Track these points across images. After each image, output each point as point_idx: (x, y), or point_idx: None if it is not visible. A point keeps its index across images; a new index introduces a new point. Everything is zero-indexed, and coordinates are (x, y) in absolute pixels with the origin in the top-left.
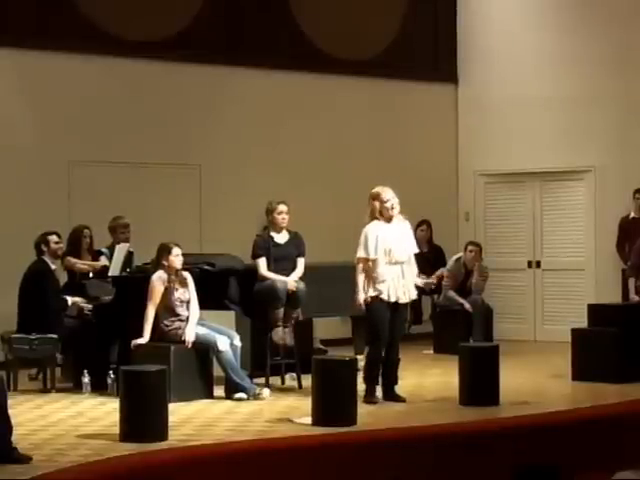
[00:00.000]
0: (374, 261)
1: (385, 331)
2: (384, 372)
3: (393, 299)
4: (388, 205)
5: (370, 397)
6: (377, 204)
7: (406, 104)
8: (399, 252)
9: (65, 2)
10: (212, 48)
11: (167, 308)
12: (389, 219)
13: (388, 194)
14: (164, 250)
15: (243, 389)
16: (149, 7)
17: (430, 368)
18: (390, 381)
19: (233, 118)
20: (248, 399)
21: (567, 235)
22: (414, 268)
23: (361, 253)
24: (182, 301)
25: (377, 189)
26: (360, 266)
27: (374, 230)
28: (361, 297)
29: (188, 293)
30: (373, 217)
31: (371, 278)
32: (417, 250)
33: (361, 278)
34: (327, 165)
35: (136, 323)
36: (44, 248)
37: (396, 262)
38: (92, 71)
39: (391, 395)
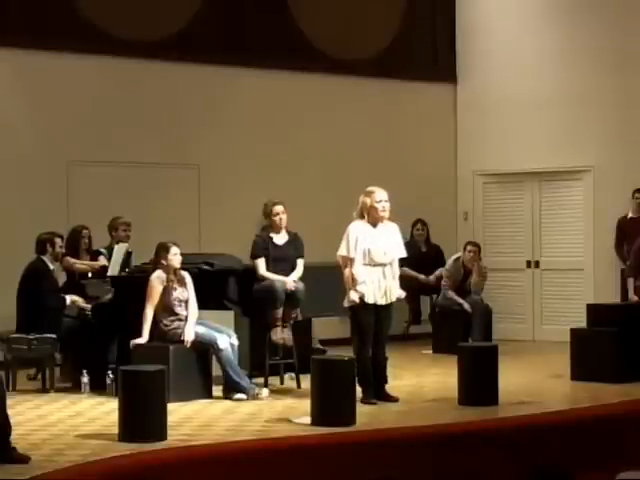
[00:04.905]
0: (352, 260)
1: (369, 332)
2: (373, 372)
3: (371, 301)
4: (379, 206)
5: (367, 398)
6: (368, 201)
7: (405, 104)
8: (378, 255)
9: (64, 2)
10: (211, 48)
11: (166, 308)
12: (375, 221)
13: (382, 195)
14: (162, 249)
15: (242, 389)
16: (148, 7)
17: (429, 368)
18: (379, 381)
19: (232, 118)
20: (247, 399)
21: (566, 235)
22: (396, 271)
23: (342, 251)
24: (181, 300)
25: (372, 187)
26: (343, 263)
27: (355, 230)
28: (353, 294)
29: (187, 292)
30: (360, 214)
31: (353, 277)
32: (405, 255)
33: (347, 273)
34: (326, 165)
35: (135, 323)
36: (49, 247)
37: (376, 264)
38: (91, 71)
39: (382, 395)
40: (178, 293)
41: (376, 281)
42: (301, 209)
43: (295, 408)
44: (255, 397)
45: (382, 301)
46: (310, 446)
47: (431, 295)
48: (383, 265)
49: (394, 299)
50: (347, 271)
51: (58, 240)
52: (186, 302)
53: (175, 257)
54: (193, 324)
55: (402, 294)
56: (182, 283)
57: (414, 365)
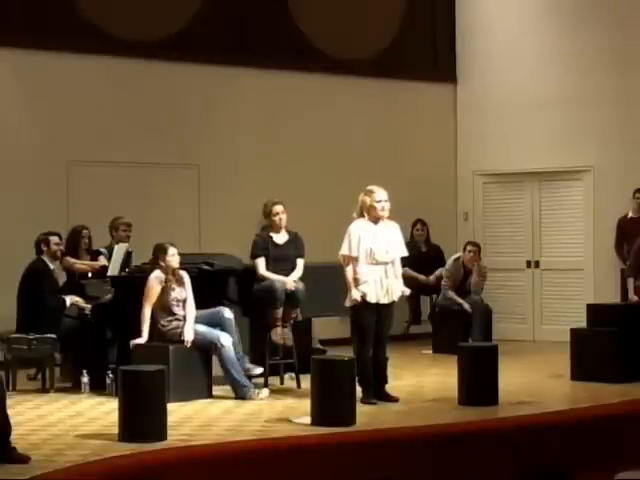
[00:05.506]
0: (355, 259)
1: (370, 332)
2: (373, 372)
3: (374, 300)
4: (378, 206)
5: (367, 398)
6: (368, 200)
7: (405, 104)
8: (380, 253)
9: (64, 2)
10: (211, 48)
11: (164, 308)
12: (376, 219)
13: (381, 195)
14: (160, 250)
15: (242, 386)
16: (148, 7)
17: (429, 368)
18: (379, 381)
19: (232, 118)
20: (243, 399)
21: (566, 235)
22: (398, 270)
23: (344, 250)
24: (178, 300)
25: (372, 187)
26: (345, 262)
27: (357, 229)
28: (355, 293)
29: (185, 292)
30: (360, 213)
31: (355, 276)
32: (406, 254)
33: (349, 272)
34: (326, 164)
35: (135, 323)
36: (44, 248)
37: (378, 263)
38: (91, 71)
39: (382, 395)
40: (176, 293)
41: (378, 280)
42: (301, 209)
43: (295, 408)
44: (252, 398)
45: (384, 300)
46: (310, 446)
47: (431, 295)
48: (385, 264)
49: (396, 298)
50: (349, 270)
51: (53, 238)
52: (184, 302)
53: (173, 258)
54: (192, 324)
55: (406, 290)
56: (180, 283)
57: (414, 365)
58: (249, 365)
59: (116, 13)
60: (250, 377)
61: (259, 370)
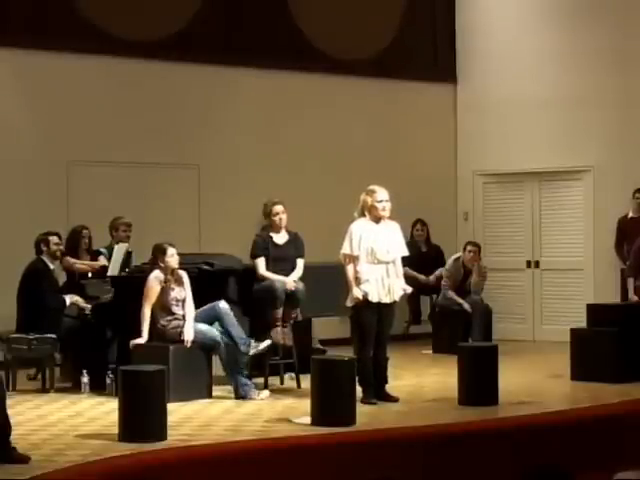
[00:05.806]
0: (356, 257)
1: (371, 332)
2: (374, 372)
3: (376, 300)
4: (379, 205)
5: (367, 398)
6: (369, 200)
7: (405, 104)
8: (381, 253)
9: (64, 2)
10: (211, 48)
11: (163, 308)
12: (377, 219)
13: (383, 195)
14: (159, 251)
15: (243, 385)
16: (148, 7)
17: (429, 368)
18: (380, 381)
19: (232, 118)
20: (244, 398)
21: (566, 235)
22: (399, 269)
23: (345, 249)
24: (178, 300)
25: (374, 186)
26: (347, 262)
27: (358, 228)
28: (356, 292)
29: (184, 292)
30: (361, 213)
31: (356, 275)
32: (407, 253)
33: (351, 272)
34: (326, 164)
35: (135, 323)
36: (43, 247)
37: (379, 262)
38: (91, 71)
39: (382, 395)
40: (176, 293)
41: (380, 279)
42: (301, 209)
43: (295, 408)
44: (252, 397)
45: (386, 299)
46: (310, 446)
47: (431, 295)
48: (386, 263)
49: (397, 298)
50: (350, 269)
51: (53, 238)
52: (183, 301)
53: (172, 258)
54: (191, 323)
55: (408, 288)
56: (180, 283)
57: (414, 365)
58: (254, 343)
59: (116, 13)
60: (259, 354)
61: (266, 343)
